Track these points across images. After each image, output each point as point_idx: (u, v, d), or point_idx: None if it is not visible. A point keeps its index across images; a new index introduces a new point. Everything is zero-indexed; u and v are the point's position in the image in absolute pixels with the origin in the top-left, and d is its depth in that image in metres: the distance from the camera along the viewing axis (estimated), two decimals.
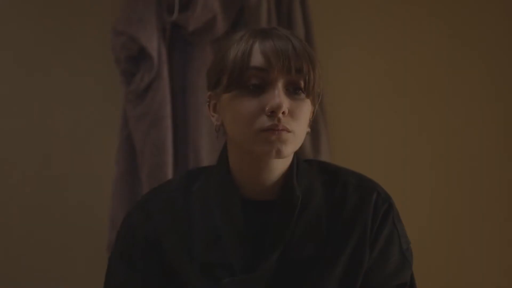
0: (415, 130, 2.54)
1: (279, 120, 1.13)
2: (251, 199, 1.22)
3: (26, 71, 2.35)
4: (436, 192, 2.54)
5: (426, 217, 2.48)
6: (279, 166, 1.20)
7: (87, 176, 2.34)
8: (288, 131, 1.14)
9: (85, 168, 2.34)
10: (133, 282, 1.23)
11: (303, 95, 1.17)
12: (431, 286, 1.34)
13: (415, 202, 2.44)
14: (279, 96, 1.13)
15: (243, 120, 1.14)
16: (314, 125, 2.30)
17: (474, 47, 2.57)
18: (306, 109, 1.18)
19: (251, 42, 1.16)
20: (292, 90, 1.16)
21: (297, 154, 1.25)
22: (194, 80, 2.20)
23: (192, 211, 1.23)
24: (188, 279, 1.20)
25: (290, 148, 1.15)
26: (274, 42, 1.15)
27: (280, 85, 1.14)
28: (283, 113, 1.13)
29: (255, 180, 1.21)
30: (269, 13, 2.26)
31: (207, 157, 2.19)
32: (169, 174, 2.16)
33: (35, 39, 2.35)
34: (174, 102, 2.22)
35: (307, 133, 1.22)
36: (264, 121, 1.13)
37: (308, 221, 1.21)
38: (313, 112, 1.23)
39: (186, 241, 1.21)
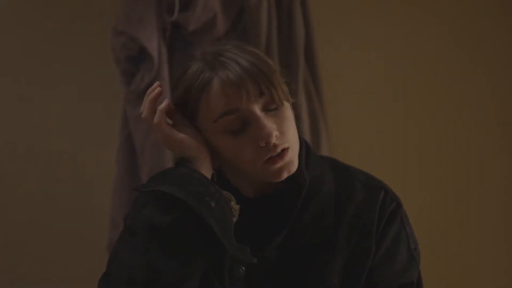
0: (416, 130, 2.53)
1: (275, 145, 1.14)
2: (250, 197, 1.24)
3: (26, 71, 2.35)
4: (436, 191, 2.54)
5: (427, 217, 2.48)
6: None
7: (88, 176, 2.34)
8: (287, 149, 1.16)
9: (85, 168, 2.34)
10: None
11: (279, 108, 1.17)
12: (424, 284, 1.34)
13: (415, 202, 2.44)
14: (265, 125, 1.14)
15: (244, 161, 1.16)
16: (314, 125, 2.31)
17: (474, 47, 2.57)
18: (287, 114, 1.19)
19: (204, 86, 1.16)
20: (268, 109, 1.16)
21: (308, 145, 1.28)
22: None
23: None
24: None
25: (295, 160, 1.19)
26: (229, 77, 1.15)
27: (258, 112, 1.15)
28: (275, 135, 1.15)
29: (256, 187, 1.23)
30: (269, 13, 2.26)
31: None
32: None
33: (35, 39, 2.36)
34: None
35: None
36: (263, 153, 1.15)
37: (316, 209, 1.22)
38: (292, 106, 1.23)
39: None
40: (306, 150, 1.27)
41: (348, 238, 1.23)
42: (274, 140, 1.14)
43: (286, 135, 1.17)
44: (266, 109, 1.16)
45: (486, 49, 2.58)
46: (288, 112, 1.19)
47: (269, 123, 1.14)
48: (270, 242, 1.20)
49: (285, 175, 1.17)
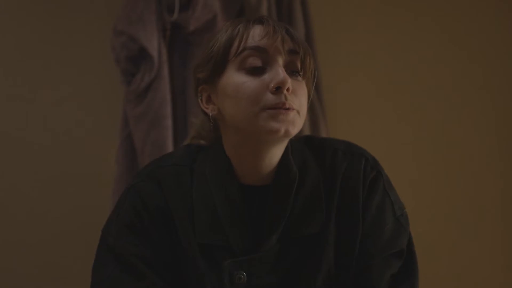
0: (415, 129, 2.54)
1: (285, 97, 1.12)
2: (249, 185, 1.21)
3: (26, 71, 2.36)
4: (436, 192, 2.54)
5: (428, 216, 2.48)
6: (278, 152, 1.20)
7: (87, 176, 2.34)
8: (294, 109, 1.14)
9: (85, 168, 2.34)
10: (146, 253, 1.18)
11: (300, 77, 1.18)
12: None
13: (416, 202, 2.44)
14: (283, 72, 1.14)
15: (248, 99, 1.13)
16: (314, 124, 2.31)
17: (473, 47, 2.57)
18: (305, 90, 1.19)
19: (246, 26, 1.18)
20: (290, 72, 1.17)
21: None
22: None
23: (194, 189, 1.21)
24: (193, 257, 1.19)
25: (296, 129, 1.16)
26: (270, 25, 1.17)
27: (280, 62, 1.15)
28: (288, 89, 1.13)
29: (254, 168, 1.20)
30: (270, 12, 2.26)
31: None
32: None
33: (36, 38, 2.36)
34: (174, 102, 2.22)
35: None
36: (270, 99, 1.12)
37: (307, 198, 1.20)
38: (309, 97, 1.22)
39: (190, 219, 1.20)
40: (289, 142, 1.24)
41: (339, 214, 1.20)
42: (285, 90, 1.12)
43: (299, 101, 1.15)
44: (290, 69, 1.16)
45: (486, 50, 2.58)
46: (305, 90, 1.18)
47: (288, 76, 1.14)
48: (266, 238, 1.18)
49: (281, 132, 1.12)
